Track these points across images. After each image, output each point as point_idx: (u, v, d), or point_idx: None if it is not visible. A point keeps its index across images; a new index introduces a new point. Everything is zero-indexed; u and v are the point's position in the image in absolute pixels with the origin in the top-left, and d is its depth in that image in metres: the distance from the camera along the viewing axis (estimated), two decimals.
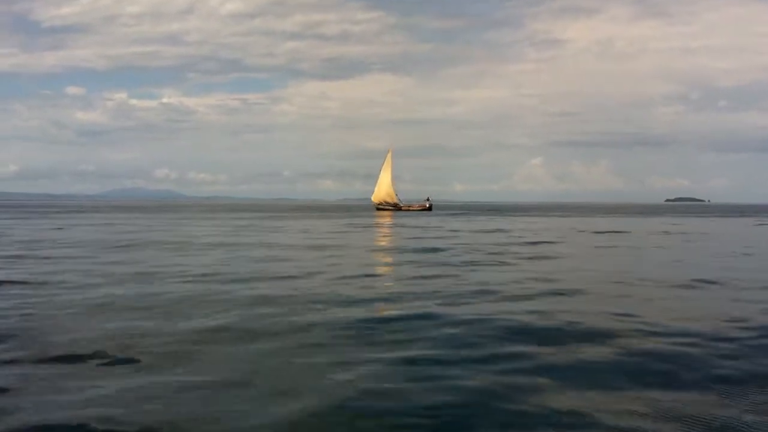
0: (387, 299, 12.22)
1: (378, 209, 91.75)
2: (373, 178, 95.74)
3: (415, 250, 23.25)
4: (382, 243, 29.18)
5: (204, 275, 15.40)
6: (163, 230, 37.32)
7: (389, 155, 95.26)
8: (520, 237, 32.01)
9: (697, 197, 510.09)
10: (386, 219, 60.66)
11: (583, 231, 39.28)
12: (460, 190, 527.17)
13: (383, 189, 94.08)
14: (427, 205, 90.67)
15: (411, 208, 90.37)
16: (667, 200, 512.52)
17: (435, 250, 23.43)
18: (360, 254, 22.30)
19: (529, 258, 20.46)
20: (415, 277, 15.36)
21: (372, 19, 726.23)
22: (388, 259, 21.33)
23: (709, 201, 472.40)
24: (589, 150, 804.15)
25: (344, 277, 15.19)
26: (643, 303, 11.84)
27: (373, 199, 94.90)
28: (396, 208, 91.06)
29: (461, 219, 60.42)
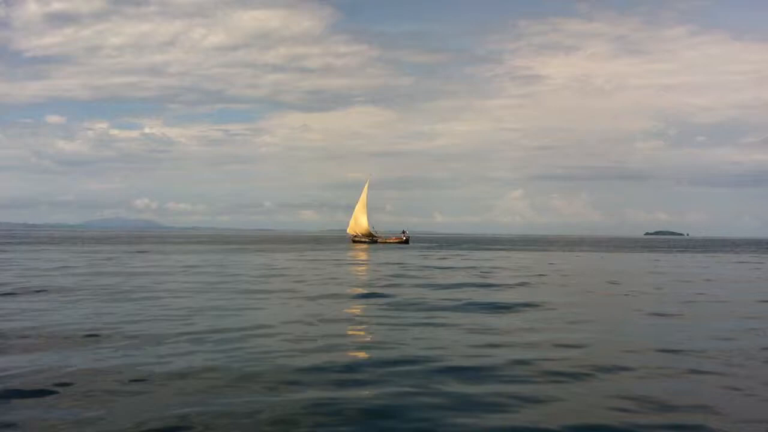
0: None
1: (354, 241, 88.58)
2: (354, 209, 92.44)
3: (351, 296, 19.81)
4: (327, 283, 25.77)
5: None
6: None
7: (366, 186, 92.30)
8: (488, 274, 28.75)
9: (675, 230, 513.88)
10: (360, 253, 57.26)
11: (561, 268, 36.01)
12: (441, 222, 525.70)
13: (359, 220, 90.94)
14: (404, 238, 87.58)
15: (388, 241, 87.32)
16: (647, 233, 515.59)
17: (379, 295, 19.88)
18: (291, 299, 18.71)
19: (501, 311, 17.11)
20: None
21: (355, 53, 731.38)
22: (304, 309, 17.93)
23: (687, 234, 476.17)
24: (569, 183, 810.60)
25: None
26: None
27: (348, 230, 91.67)
28: (372, 240, 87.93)
29: (436, 253, 57.18)
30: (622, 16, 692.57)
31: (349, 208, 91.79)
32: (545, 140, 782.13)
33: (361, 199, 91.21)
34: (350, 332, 13.18)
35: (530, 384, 8.75)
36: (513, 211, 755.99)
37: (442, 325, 13.99)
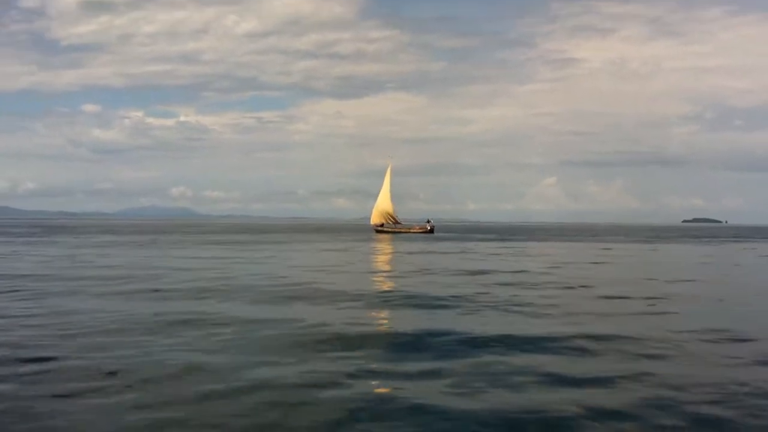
0: None
1: (377, 231, 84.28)
2: (377, 197, 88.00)
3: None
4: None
5: None
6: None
7: (388, 171, 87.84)
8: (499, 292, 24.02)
9: (713, 218, 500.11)
10: (382, 244, 53.01)
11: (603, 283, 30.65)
12: (472, 209, 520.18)
13: (382, 208, 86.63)
14: (428, 228, 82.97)
15: (411, 231, 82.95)
16: (684, 221, 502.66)
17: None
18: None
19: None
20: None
21: (386, 38, 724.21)
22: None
23: (726, 222, 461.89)
24: (604, 169, 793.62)
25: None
26: None
27: (372, 220, 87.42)
28: (395, 229, 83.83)
29: (457, 247, 52.60)
30: None
31: (392, 199, 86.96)
32: (579, 125, 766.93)
33: (384, 185, 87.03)
34: None
35: None
36: (546, 198, 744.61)
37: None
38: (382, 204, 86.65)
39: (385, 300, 16.92)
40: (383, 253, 41.76)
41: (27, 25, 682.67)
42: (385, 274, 26.60)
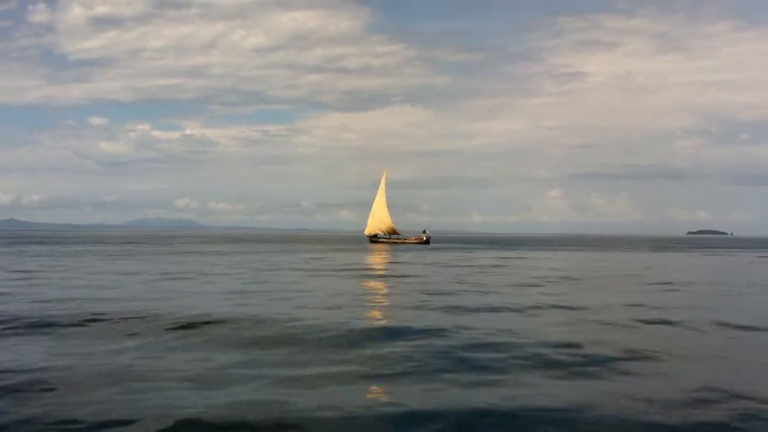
0: None
1: (372, 241, 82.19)
2: (392, 209, 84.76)
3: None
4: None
5: None
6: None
7: (383, 180, 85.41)
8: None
9: (719, 230, 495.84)
10: (375, 256, 51.00)
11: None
12: (478, 221, 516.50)
13: (378, 217, 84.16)
14: (424, 238, 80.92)
15: (407, 241, 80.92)
16: (689, 233, 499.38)
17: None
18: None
19: None
20: None
21: (392, 52, 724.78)
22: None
23: (731, 234, 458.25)
24: (609, 182, 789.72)
25: None
26: None
27: (366, 231, 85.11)
28: (390, 239, 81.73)
29: (448, 255, 50.58)
30: (663, 11, 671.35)
31: (388, 208, 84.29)
32: (585, 138, 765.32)
33: (379, 194, 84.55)
34: None
35: None
36: (551, 210, 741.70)
37: None
38: (379, 214, 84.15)
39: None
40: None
41: (36, 39, 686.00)
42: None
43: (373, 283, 24.06)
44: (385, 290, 21.48)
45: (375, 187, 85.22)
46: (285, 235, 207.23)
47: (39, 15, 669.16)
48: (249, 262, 37.03)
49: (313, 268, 32.48)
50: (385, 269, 33.01)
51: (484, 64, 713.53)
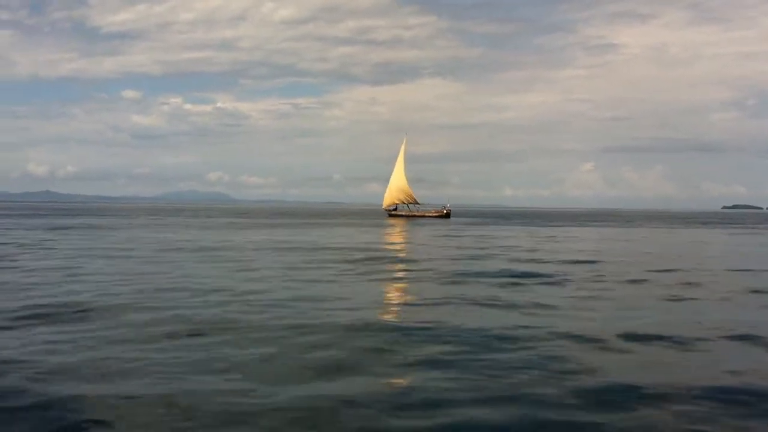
0: None
1: (390, 215, 78.46)
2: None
3: None
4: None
5: None
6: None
7: (402, 148, 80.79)
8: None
9: (754, 204, 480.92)
10: (388, 231, 47.57)
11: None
12: (509, 195, 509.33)
13: (396, 188, 79.74)
14: (445, 212, 77.03)
15: (427, 215, 77.14)
16: (724, 207, 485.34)
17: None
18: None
19: None
20: None
21: (423, 24, 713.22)
22: None
23: (766, 208, 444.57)
24: (643, 156, 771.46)
25: None
26: None
27: (384, 202, 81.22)
28: (410, 212, 78.00)
29: (468, 231, 46.89)
30: None
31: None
32: (618, 111, 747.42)
33: (397, 164, 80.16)
34: None
35: None
36: (583, 184, 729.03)
37: None
38: (397, 185, 79.78)
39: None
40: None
41: (68, 12, 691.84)
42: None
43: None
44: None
45: (405, 160, 79.97)
46: (311, 208, 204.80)
47: None
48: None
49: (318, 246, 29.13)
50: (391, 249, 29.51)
51: (516, 36, 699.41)
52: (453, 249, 26.93)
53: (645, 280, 16.21)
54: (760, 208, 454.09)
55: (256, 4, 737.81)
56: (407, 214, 78.24)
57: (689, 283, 15.66)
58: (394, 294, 14.07)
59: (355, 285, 14.81)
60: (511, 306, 11.92)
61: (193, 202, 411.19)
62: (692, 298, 13.27)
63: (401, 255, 24.03)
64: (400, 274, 17.59)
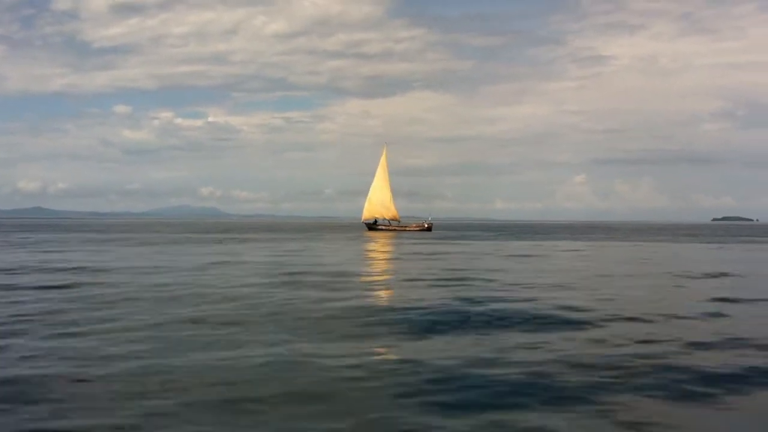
0: None
1: (370, 229, 75.38)
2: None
3: None
4: None
5: None
6: None
7: (383, 157, 77.74)
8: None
9: (744, 216, 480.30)
10: (364, 246, 44.60)
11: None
12: (500, 208, 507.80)
13: (378, 202, 76.71)
14: (426, 225, 74.30)
15: (407, 228, 74.37)
16: (714, 219, 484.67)
17: None
18: None
19: None
20: None
21: (414, 37, 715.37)
22: None
23: (757, 220, 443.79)
24: (633, 167, 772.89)
25: None
26: None
27: (363, 216, 78.03)
28: (389, 227, 75.08)
29: (434, 248, 44.10)
30: None
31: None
32: (608, 123, 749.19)
33: (378, 174, 77.07)
34: None
35: None
36: (575, 196, 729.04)
37: None
38: (378, 197, 76.64)
39: None
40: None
41: (59, 27, 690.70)
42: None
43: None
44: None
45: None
46: (295, 223, 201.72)
47: (62, 3, 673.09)
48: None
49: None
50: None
51: (506, 48, 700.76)
52: (408, 264, 24.10)
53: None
54: (751, 220, 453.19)
55: (248, 18, 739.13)
56: (387, 227, 75.42)
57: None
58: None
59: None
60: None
61: (184, 217, 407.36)
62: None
63: (329, 271, 21.06)
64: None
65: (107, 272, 20.07)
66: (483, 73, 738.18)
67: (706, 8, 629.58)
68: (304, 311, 12.13)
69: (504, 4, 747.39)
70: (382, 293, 15.99)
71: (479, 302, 13.40)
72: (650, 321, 11.44)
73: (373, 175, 76.79)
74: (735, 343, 9.57)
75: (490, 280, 18.17)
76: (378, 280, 19.92)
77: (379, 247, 41.04)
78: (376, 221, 76.35)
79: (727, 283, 18.60)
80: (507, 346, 9.17)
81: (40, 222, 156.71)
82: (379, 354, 8.79)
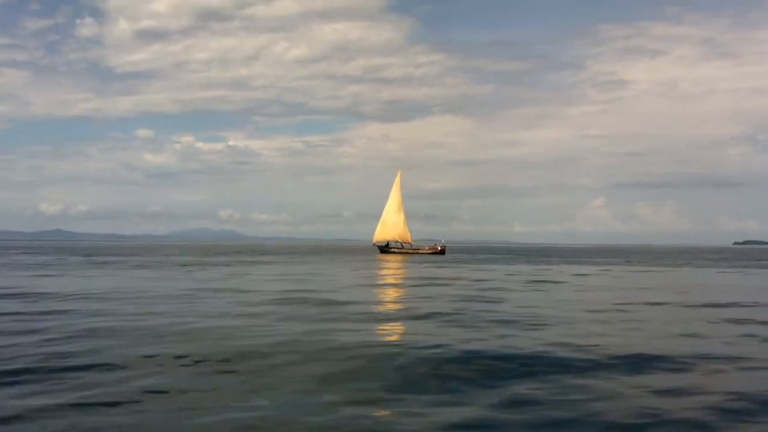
0: None
1: (382, 252, 74.41)
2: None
3: None
4: None
5: None
6: None
7: (397, 181, 77.20)
8: None
9: (766, 240, 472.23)
10: (378, 269, 43.52)
11: None
12: (519, 231, 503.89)
13: (391, 224, 75.96)
14: (439, 248, 72.97)
15: (420, 251, 73.16)
16: (735, 243, 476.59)
17: None
18: None
19: None
20: None
21: (434, 62, 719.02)
22: None
23: None
24: (655, 191, 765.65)
25: None
26: None
27: (375, 237, 77.08)
28: (401, 249, 73.99)
29: (442, 272, 42.83)
30: (709, 17, 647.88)
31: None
32: (630, 147, 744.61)
33: (391, 197, 76.57)
34: None
35: None
36: (595, 219, 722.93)
37: None
38: (391, 219, 75.95)
39: None
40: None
41: (83, 53, 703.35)
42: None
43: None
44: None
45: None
46: (312, 245, 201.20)
47: (86, 29, 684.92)
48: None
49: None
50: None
51: (527, 73, 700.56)
52: (402, 291, 22.83)
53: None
54: None
55: (269, 44, 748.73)
56: (399, 250, 74.27)
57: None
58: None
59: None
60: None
61: (204, 240, 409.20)
62: None
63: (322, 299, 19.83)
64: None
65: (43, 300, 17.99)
66: (503, 98, 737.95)
67: (728, 32, 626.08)
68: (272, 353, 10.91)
69: (523, 30, 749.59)
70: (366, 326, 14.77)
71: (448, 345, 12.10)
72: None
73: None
74: None
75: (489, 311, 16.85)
76: (363, 312, 18.69)
77: (382, 270, 39.81)
78: (388, 244, 75.43)
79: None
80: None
81: (52, 244, 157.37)
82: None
